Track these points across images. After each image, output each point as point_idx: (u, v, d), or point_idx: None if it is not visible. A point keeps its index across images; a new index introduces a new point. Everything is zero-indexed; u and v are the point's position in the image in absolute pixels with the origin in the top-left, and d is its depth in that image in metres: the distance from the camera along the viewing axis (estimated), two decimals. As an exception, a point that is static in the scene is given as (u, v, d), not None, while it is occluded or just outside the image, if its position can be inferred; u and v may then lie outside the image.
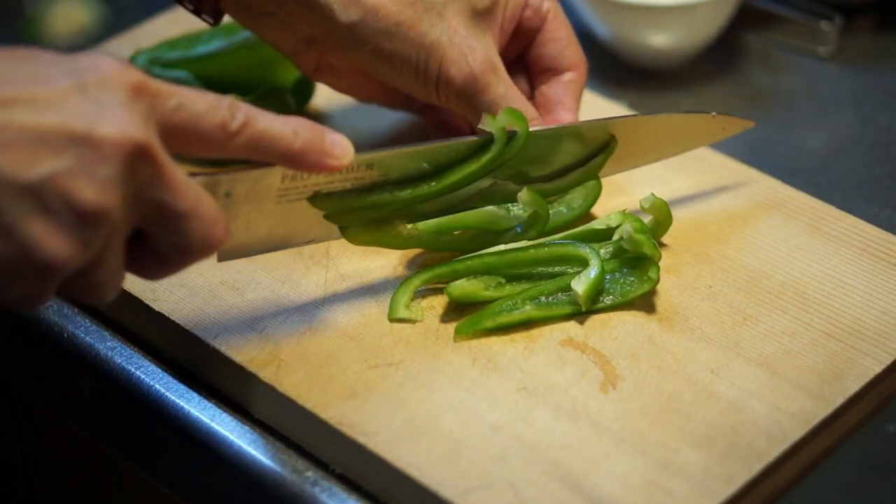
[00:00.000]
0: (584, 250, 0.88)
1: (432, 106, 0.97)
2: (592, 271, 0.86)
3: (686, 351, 0.85)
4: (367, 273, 0.90)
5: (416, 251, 0.91)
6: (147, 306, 0.88)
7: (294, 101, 1.02)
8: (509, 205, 0.91)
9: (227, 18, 0.94)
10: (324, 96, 1.04)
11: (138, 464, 0.93)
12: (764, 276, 0.90)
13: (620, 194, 0.96)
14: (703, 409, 0.81)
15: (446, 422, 0.81)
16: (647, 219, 0.90)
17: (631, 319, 0.87)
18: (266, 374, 0.83)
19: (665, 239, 0.92)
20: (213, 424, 0.85)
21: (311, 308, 0.88)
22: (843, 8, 1.20)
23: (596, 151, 0.92)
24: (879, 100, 1.14)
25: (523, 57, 0.97)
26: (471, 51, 0.91)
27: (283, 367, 0.84)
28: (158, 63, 1.03)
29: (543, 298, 0.87)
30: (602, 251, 0.89)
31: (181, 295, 0.88)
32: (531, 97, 0.96)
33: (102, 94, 0.68)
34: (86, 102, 0.67)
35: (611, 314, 0.87)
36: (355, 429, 0.80)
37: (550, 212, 0.92)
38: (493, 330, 0.86)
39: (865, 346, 0.85)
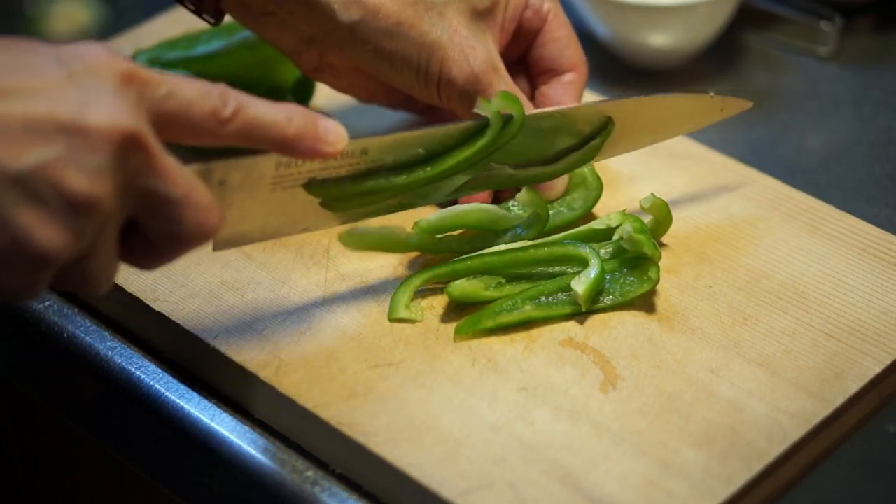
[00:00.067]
0: (584, 250, 0.88)
1: (433, 106, 0.97)
2: (592, 271, 0.86)
3: (686, 351, 0.85)
4: (367, 273, 0.90)
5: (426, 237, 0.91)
6: (147, 306, 0.88)
7: (294, 101, 1.02)
8: (510, 204, 0.91)
9: (227, 18, 0.94)
10: (324, 96, 1.04)
11: (138, 464, 0.93)
12: (764, 276, 0.90)
13: (620, 194, 0.96)
14: (703, 409, 0.81)
15: (446, 422, 0.81)
16: (647, 219, 0.90)
17: (631, 319, 0.87)
18: (266, 374, 0.83)
19: (665, 239, 0.92)
20: (213, 424, 0.85)
21: (311, 308, 0.88)
22: (843, 8, 1.20)
23: (593, 134, 0.92)
24: (879, 100, 1.14)
25: (524, 58, 0.97)
26: (472, 50, 0.91)
27: (283, 367, 0.84)
28: (158, 63, 1.03)
29: (543, 298, 0.87)
30: (602, 251, 0.89)
31: (181, 295, 0.88)
32: (532, 98, 0.96)
33: (92, 83, 0.67)
34: (75, 91, 0.67)
35: (611, 314, 0.87)
36: (355, 429, 0.80)
37: (550, 212, 0.92)
38: (493, 330, 0.86)
39: (865, 346, 0.85)
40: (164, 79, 0.70)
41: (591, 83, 1.05)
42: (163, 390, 0.87)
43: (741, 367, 0.84)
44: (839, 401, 0.82)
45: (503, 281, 0.88)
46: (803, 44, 1.19)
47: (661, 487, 0.77)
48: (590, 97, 1.03)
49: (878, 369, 0.84)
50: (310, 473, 0.82)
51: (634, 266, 0.88)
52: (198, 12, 0.93)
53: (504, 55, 0.94)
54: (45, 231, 0.66)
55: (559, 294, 0.87)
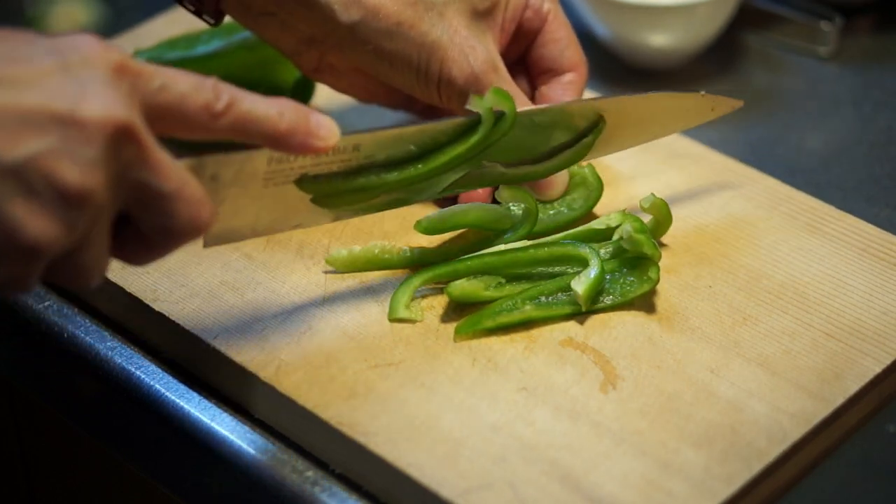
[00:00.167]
0: (584, 250, 0.88)
1: (433, 106, 0.97)
2: (592, 271, 0.86)
3: (686, 351, 0.85)
4: (367, 273, 0.90)
5: (416, 251, 0.91)
6: (147, 306, 0.88)
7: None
8: (510, 204, 0.91)
9: (227, 19, 0.94)
10: (324, 96, 1.04)
11: (138, 464, 0.93)
12: (764, 276, 0.90)
13: (620, 194, 0.96)
14: (703, 409, 0.81)
15: (446, 422, 0.81)
16: (647, 219, 0.90)
17: (631, 319, 0.87)
18: (266, 374, 0.83)
19: (665, 239, 0.92)
20: (213, 424, 0.85)
21: (311, 308, 0.88)
22: (843, 8, 1.20)
23: (585, 132, 0.91)
24: (879, 100, 1.15)
25: (524, 58, 0.97)
26: (472, 51, 0.91)
27: (283, 367, 0.84)
28: (158, 63, 1.03)
29: (543, 298, 0.87)
30: (602, 251, 0.89)
31: (181, 295, 0.88)
32: (532, 98, 0.96)
33: (85, 74, 0.67)
34: (68, 82, 0.66)
35: (611, 314, 0.87)
36: (355, 429, 0.80)
37: (551, 212, 0.92)
38: (493, 330, 0.86)
39: (865, 346, 0.85)
40: (157, 71, 0.70)
41: (591, 83, 1.05)
42: (163, 390, 0.87)
43: (741, 367, 0.84)
44: (839, 401, 0.82)
45: (503, 281, 0.88)
46: (803, 44, 1.19)
47: (661, 487, 0.77)
48: (590, 97, 1.03)
49: (878, 369, 0.84)
50: (310, 473, 0.82)
51: (634, 266, 0.88)
52: (198, 13, 0.93)
53: (504, 55, 0.94)
54: (36, 223, 0.66)
55: (559, 294, 0.87)
